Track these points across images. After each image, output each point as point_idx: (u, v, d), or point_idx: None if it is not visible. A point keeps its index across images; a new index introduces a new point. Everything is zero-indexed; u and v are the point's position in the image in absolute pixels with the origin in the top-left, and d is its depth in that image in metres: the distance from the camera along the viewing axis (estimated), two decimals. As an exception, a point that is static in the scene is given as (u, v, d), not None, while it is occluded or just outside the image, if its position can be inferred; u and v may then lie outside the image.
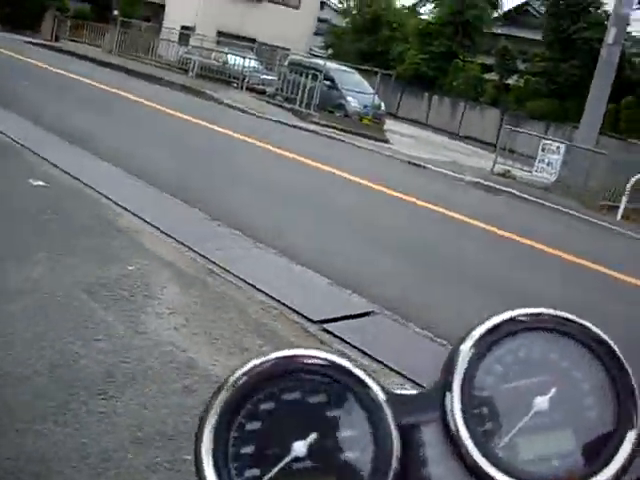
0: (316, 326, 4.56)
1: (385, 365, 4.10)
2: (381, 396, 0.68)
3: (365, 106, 23.60)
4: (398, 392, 0.72)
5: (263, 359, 0.69)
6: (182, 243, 5.82)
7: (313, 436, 0.66)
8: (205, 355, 3.90)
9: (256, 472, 0.65)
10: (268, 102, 23.36)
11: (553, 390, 0.69)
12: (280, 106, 22.77)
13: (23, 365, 3.45)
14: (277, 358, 0.69)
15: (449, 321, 5.11)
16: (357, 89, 24.22)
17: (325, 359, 0.70)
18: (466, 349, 0.71)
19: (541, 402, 0.68)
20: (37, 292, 4.32)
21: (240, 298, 4.89)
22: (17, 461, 2.77)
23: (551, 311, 0.73)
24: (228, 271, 5.34)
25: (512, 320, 0.72)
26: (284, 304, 4.84)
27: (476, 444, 0.67)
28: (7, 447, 2.84)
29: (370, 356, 4.20)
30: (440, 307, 5.87)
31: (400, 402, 0.70)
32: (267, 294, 4.99)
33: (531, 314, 0.73)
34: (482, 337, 0.72)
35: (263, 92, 25.21)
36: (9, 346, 3.61)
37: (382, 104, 25.18)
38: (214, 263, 5.47)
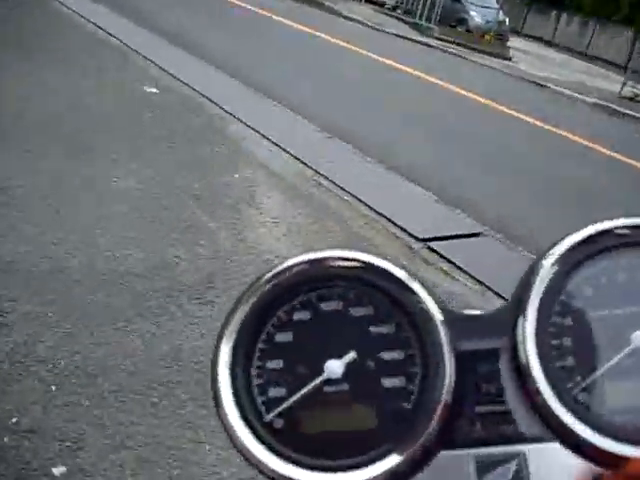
0: (420, 244, 4.43)
1: (489, 288, 3.95)
2: (437, 315, 0.55)
3: (488, 21, 22.58)
4: (459, 312, 0.58)
5: (296, 260, 0.58)
6: (290, 153, 5.75)
7: (351, 355, 0.54)
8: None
9: (282, 392, 0.54)
10: (387, 15, 22.72)
11: None
12: (399, 19, 22.11)
13: (124, 265, 3.50)
14: (314, 260, 0.58)
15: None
16: (481, 3, 23.14)
17: (374, 265, 0.57)
18: (548, 264, 0.57)
19: None
20: (142, 196, 4.37)
21: (344, 211, 4.80)
22: (115, 357, 2.82)
23: None
24: (335, 183, 5.24)
25: (611, 232, 0.57)
26: (389, 219, 4.73)
27: (550, 382, 0.53)
28: (105, 344, 2.89)
29: (474, 278, 4.05)
30: (553, 233, 5.59)
31: (460, 324, 0.56)
32: (372, 208, 4.87)
33: (637, 226, 0.57)
34: (570, 250, 0.57)
35: (383, 5, 24.52)
36: (111, 247, 3.67)
37: (507, 20, 24.04)
38: (320, 174, 5.38)
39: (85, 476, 2.26)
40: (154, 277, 3.45)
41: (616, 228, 0.57)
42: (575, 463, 0.52)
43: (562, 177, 7.67)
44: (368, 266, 0.57)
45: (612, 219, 0.58)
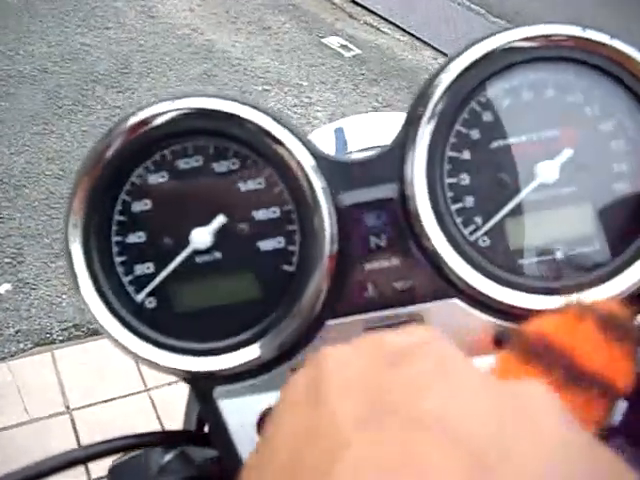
0: (343, -3, 4.20)
1: (418, 38, 3.81)
2: (307, 161, 0.47)
3: None
4: (338, 157, 0.50)
5: (133, 120, 0.48)
6: None
7: (220, 220, 0.47)
8: (224, 36, 3.65)
9: (149, 267, 0.48)
10: None
11: (567, 151, 0.47)
12: None
13: (30, 63, 3.27)
14: (160, 112, 0.48)
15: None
16: None
17: (220, 110, 0.48)
18: (442, 87, 0.47)
19: (548, 169, 0.47)
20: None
21: (260, -30, 4.48)
22: (39, 163, 2.71)
23: (576, 30, 0.47)
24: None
25: (515, 44, 0.48)
26: (308, -26, 4.43)
27: (444, 230, 0.47)
28: (26, 152, 2.77)
29: (402, 29, 3.90)
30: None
31: (339, 171, 0.48)
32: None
33: (544, 36, 0.48)
34: (468, 69, 0.48)
35: None
36: (12, 45, 3.40)
37: None
38: None
39: (30, 289, 2.25)
40: (65, 71, 3.23)
41: (522, 39, 0.48)
42: (476, 319, 0.47)
43: None
44: (214, 113, 0.48)
45: (520, 27, 0.48)
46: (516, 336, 0.38)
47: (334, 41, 3.68)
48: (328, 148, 0.67)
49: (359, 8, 4.09)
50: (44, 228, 2.45)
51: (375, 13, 4.03)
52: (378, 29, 3.89)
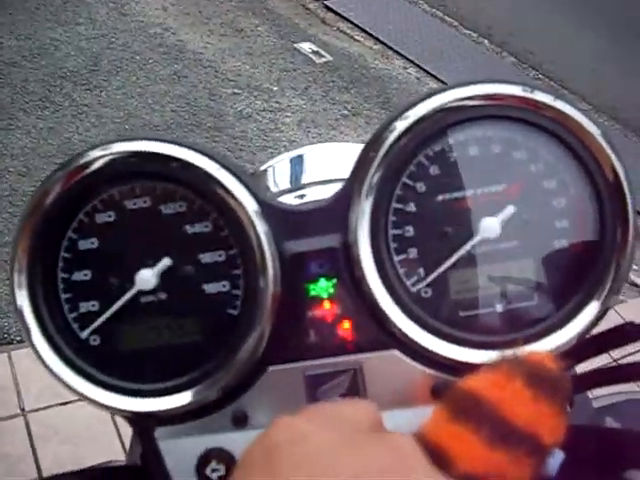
0: (317, 3, 4.20)
1: (389, 47, 3.83)
2: (251, 206, 0.48)
3: None
4: (284, 205, 0.51)
5: (94, 152, 0.48)
6: None
7: (165, 262, 0.48)
8: (196, 37, 3.63)
9: (94, 305, 0.49)
10: None
11: (510, 208, 0.48)
12: None
13: (-3, 56, 3.23)
14: (114, 152, 0.48)
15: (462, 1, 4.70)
16: None
17: (163, 154, 0.48)
18: (389, 140, 0.48)
19: (491, 224, 0.47)
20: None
21: (235, -29, 4.46)
22: (2, 159, 2.68)
23: (523, 90, 0.48)
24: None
25: (463, 102, 0.48)
26: (282, -23, 4.42)
27: (384, 279, 0.47)
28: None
29: (375, 37, 3.91)
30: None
31: (284, 218, 0.49)
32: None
33: (492, 95, 0.48)
34: (418, 122, 0.48)
35: None
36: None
37: None
38: None
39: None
40: (33, 65, 3.19)
41: (472, 97, 0.48)
42: (415, 371, 0.48)
43: None
44: (158, 157, 0.48)
45: (470, 84, 0.48)
46: (449, 392, 0.38)
47: (306, 47, 3.69)
48: (283, 178, 0.67)
49: (332, 14, 4.10)
50: (5, 226, 2.42)
51: (348, 20, 4.04)
52: (351, 36, 3.90)
